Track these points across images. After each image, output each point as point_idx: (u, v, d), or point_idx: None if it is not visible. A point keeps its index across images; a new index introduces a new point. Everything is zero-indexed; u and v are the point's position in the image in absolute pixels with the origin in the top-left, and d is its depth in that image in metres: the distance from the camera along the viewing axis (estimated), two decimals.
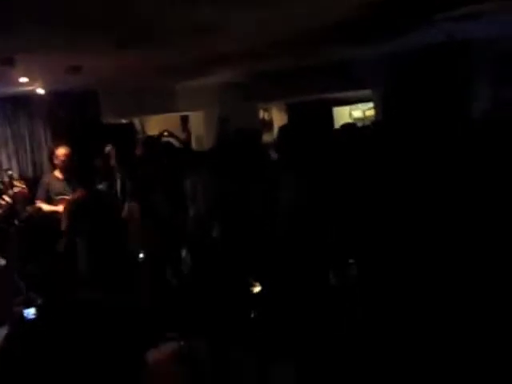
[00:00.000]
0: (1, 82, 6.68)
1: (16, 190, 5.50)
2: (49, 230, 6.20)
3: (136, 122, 10.53)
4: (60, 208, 6.31)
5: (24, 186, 5.79)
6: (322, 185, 4.26)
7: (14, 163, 8.06)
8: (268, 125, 11.33)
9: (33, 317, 3.60)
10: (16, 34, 4.56)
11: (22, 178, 7.91)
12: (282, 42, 6.15)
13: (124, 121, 10.30)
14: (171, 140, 7.28)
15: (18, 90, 7.37)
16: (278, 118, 11.44)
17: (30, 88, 7.22)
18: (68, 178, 6.68)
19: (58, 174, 6.73)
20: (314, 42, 6.42)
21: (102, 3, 3.91)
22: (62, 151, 6.72)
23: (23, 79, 6.37)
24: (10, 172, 5.95)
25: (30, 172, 8.17)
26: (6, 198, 5.19)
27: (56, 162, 6.75)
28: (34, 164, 8.25)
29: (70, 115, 8.37)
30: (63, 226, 4.88)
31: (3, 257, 6.30)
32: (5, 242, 6.26)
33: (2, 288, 5.59)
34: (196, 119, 10.48)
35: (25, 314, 3.71)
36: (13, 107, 8.15)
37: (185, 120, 10.93)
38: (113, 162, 6.62)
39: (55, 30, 4.53)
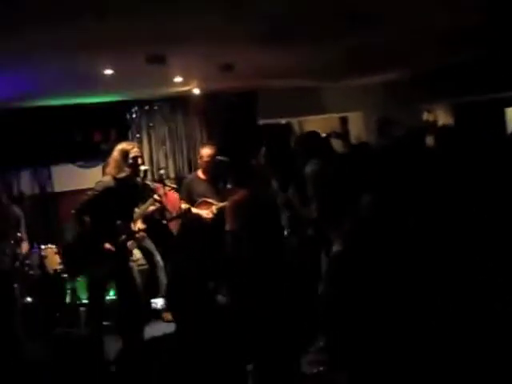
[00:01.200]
0: (158, 83, 6.72)
1: (167, 189, 5.43)
2: (200, 232, 6.17)
3: (294, 123, 10.27)
4: (203, 212, 6.21)
5: (175, 186, 5.72)
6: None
7: (170, 162, 8.21)
8: (432, 127, 10.55)
9: None
10: (167, 28, 4.45)
11: (177, 177, 8.00)
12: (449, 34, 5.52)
13: (282, 122, 10.09)
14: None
15: (175, 90, 7.43)
16: (443, 119, 10.62)
17: (186, 88, 7.25)
18: (211, 180, 6.43)
19: (201, 174, 6.48)
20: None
21: None
22: (206, 151, 6.42)
23: (178, 79, 6.35)
24: (161, 172, 5.92)
25: (185, 171, 8.24)
26: (156, 197, 5.09)
27: (200, 161, 6.55)
28: (190, 163, 8.31)
29: (226, 116, 8.29)
30: (228, 227, 4.77)
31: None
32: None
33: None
34: (355, 120, 10.02)
35: None
36: (171, 107, 8.30)
37: (344, 121, 10.48)
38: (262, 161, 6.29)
39: (208, 23, 4.34)
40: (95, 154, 7.69)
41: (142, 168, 5.04)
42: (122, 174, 4.90)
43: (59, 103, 7.55)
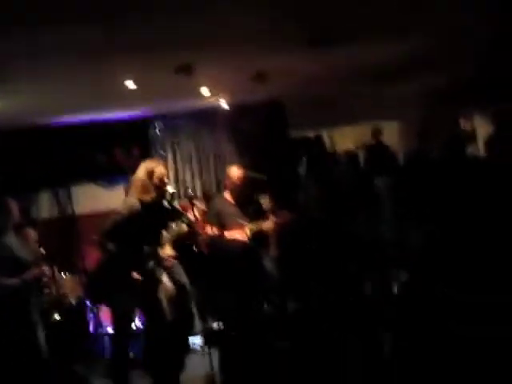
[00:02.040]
0: (183, 95, 6.30)
1: (196, 210, 4.95)
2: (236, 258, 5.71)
3: (324, 134, 9.76)
4: (237, 235, 5.74)
5: (204, 208, 5.22)
6: None
7: (197, 181, 7.78)
8: (470, 136, 9.99)
9: None
10: (195, 35, 4.04)
11: (205, 196, 7.53)
12: None
13: (312, 134, 9.60)
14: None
15: (200, 104, 7.02)
16: (482, 127, 10.06)
17: (213, 101, 6.83)
18: (239, 202, 5.89)
19: (228, 196, 5.97)
20: None
21: None
22: (234, 172, 5.90)
23: (204, 90, 5.90)
24: (189, 191, 5.41)
25: (213, 190, 7.78)
26: (185, 220, 4.62)
27: (227, 182, 6.02)
28: (218, 183, 7.83)
29: (254, 129, 7.80)
30: (273, 252, 4.37)
31: None
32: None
33: None
34: (390, 130, 9.50)
35: None
36: (196, 123, 7.88)
37: (376, 131, 9.94)
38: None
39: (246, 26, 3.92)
40: (118, 173, 7.36)
41: (170, 190, 4.59)
42: (148, 198, 4.45)
43: (79, 120, 7.20)
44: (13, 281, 4.49)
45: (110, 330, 5.89)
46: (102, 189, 7.56)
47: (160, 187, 4.53)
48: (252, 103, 7.55)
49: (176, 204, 4.74)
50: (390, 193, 5.13)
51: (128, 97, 5.65)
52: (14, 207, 4.90)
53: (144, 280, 4.49)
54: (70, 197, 7.36)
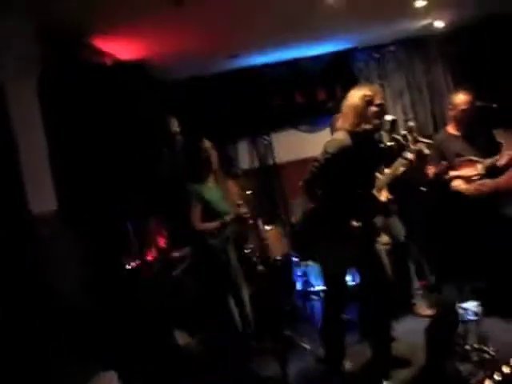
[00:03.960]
0: (392, 15, 5.33)
1: (418, 146, 4.02)
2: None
3: None
4: (468, 173, 4.74)
5: (429, 141, 4.22)
6: None
7: (410, 117, 6.76)
8: None
9: None
10: None
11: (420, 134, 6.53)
12: None
13: None
14: None
15: (411, 27, 5.99)
16: None
17: (426, 22, 5.77)
18: (467, 135, 4.96)
19: (451, 129, 5.07)
20: None
21: None
22: (460, 98, 4.98)
23: (420, 3, 4.87)
24: (410, 124, 4.45)
25: (429, 127, 6.76)
26: (409, 155, 3.73)
27: (452, 113, 5.07)
28: (434, 117, 6.82)
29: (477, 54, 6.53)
30: None
31: None
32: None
33: None
34: None
35: None
36: (406, 51, 6.87)
37: None
38: None
39: None
40: (320, 116, 6.58)
41: (388, 118, 3.73)
42: (368, 126, 3.63)
43: (272, 60, 6.57)
44: (212, 224, 4.31)
45: (319, 288, 5.36)
46: (304, 134, 6.91)
47: (379, 116, 3.68)
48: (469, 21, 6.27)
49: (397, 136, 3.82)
50: None
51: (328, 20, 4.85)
52: (214, 154, 4.49)
53: (360, 231, 3.70)
54: (270, 145, 6.80)
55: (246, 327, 4.48)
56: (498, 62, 6.32)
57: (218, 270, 4.36)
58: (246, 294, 4.52)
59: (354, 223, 3.66)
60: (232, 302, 4.42)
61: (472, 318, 3.79)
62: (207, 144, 4.42)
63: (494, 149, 4.84)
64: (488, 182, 4.67)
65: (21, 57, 3.44)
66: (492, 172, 4.68)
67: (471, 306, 3.82)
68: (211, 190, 4.45)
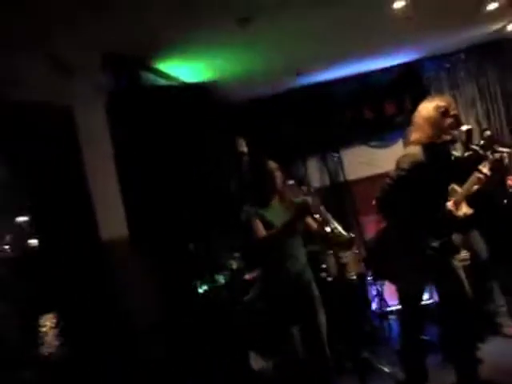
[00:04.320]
0: (463, 20, 5.17)
1: (497, 155, 3.79)
2: None
3: None
4: None
5: (508, 150, 3.98)
6: None
7: (485, 126, 6.55)
8: None
9: None
10: None
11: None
12: None
13: None
14: None
15: (482, 32, 5.83)
16: None
17: (498, 26, 5.55)
18: None
19: None
20: None
21: None
22: None
23: (492, 5, 4.68)
24: (488, 133, 4.21)
25: (506, 136, 6.52)
26: (484, 170, 3.52)
27: None
28: (511, 127, 6.57)
29: None
30: None
31: None
32: None
33: None
34: None
35: None
36: (478, 58, 6.70)
37: None
38: None
39: None
40: (390, 130, 6.54)
41: (464, 128, 3.55)
42: (446, 137, 3.49)
43: (339, 75, 6.53)
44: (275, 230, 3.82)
45: (395, 308, 5.17)
46: (374, 149, 6.78)
47: (455, 127, 3.52)
48: None
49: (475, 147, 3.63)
50: None
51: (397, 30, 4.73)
52: (279, 175, 4.29)
53: (438, 249, 3.52)
54: (340, 162, 6.68)
55: (322, 354, 4.26)
56: None
57: (292, 298, 4.07)
58: (322, 318, 4.24)
59: (432, 243, 3.51)
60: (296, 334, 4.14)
61: None
62: (272, 165, 4.23)
63: None
64: None
65: (89, 83, 3.50)
66: None
67: None
68: (274, 210, 4.25)
